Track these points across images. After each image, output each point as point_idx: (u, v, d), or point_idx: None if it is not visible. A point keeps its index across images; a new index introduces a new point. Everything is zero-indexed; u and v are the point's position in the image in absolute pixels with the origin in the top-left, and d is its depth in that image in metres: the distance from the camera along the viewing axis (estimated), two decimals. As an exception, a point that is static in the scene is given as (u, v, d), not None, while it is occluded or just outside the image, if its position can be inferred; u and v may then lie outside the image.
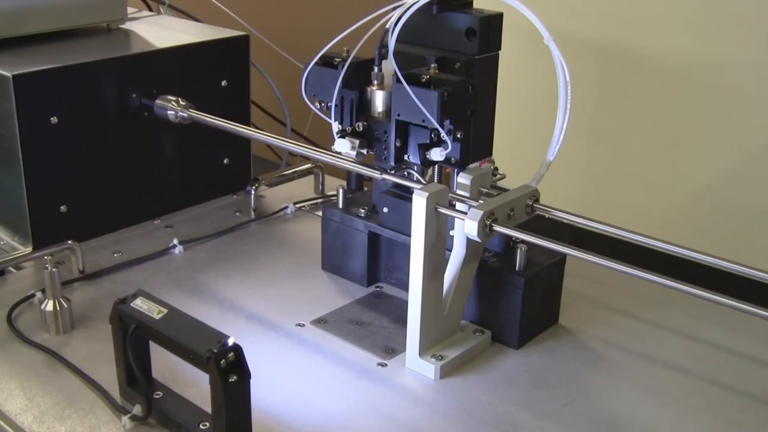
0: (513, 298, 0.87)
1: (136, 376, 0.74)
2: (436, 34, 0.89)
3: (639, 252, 0.80)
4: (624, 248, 0.82)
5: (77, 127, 1.06)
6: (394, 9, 0.84)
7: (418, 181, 0.88)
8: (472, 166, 0.87)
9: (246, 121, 1.24)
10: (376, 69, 0.87)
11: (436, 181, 0.92)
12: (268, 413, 0.77)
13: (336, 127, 0.90)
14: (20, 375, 0.82)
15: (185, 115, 1.07)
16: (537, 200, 0.82)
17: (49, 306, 0.89)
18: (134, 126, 1.12)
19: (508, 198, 0.81)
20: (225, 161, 1.25)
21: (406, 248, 0.85)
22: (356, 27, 0.85)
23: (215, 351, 0.65)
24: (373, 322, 0.93)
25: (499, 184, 0.90)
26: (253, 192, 1.20)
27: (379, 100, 0.88)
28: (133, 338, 0.72)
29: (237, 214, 1.20)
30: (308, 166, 1.26)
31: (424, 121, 0.82)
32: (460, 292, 0.86)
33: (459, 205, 0.83)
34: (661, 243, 0.76)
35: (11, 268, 1.03)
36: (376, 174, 0.89)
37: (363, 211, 0.99)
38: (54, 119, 1.03)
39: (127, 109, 1.10)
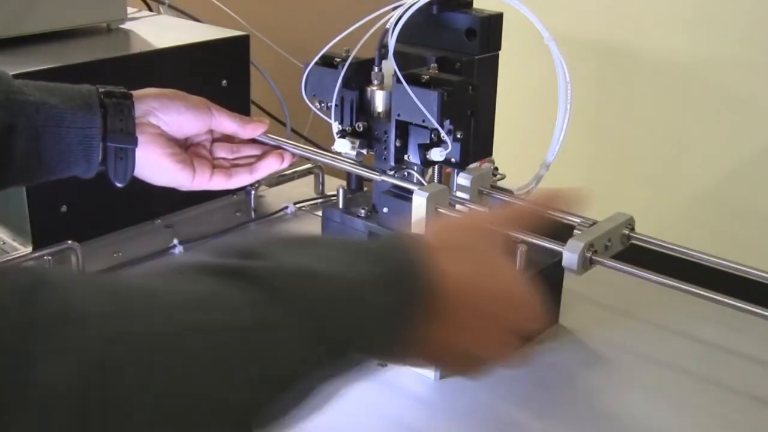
0: (513, 298, 0.87)
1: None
2: (436, 34, 0.89)
3: (639, 252, 0.80)
4: (624, 248, 0.82)
5: (77, 127, 1.06)
6: (394, 9, 0.84)
7: (418, 182, 0.88)
8: (472, 166, 0.87)
9: (246, 121, 1.23)
10: (376, 69, 0.87)
11: (436, 181, 0.92)
12: (268, 413, 0.77)
13: (336, 127, 0.90)
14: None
15: (185, 115, 1.07)
16: (632, 228, 0.78)
17: (50, 306, 0.88)
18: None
19: (605, 228, 0.76)
20: (225, 161, 1.24)
21: (406, 248, 0.85)
22: (356, 27, 0.85)
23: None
24: (373, 322, 0.93)
25: (500, 184, 0.90)
26: (253, 192, 1.20)
27: (379, 100, 0.88)
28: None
29: (237, 214, 1.20)
30: (308, 166, 1.26)
31: (424, 121, 0.82)
32: (460, 292, 0.86)
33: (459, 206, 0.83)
34: (662, 243, 0.76)
35: (11, 269, 1.03)
36: (375, 175, 0.89)
37: (363, 211, 0.98)
38: (54, 119, 1.03)
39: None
